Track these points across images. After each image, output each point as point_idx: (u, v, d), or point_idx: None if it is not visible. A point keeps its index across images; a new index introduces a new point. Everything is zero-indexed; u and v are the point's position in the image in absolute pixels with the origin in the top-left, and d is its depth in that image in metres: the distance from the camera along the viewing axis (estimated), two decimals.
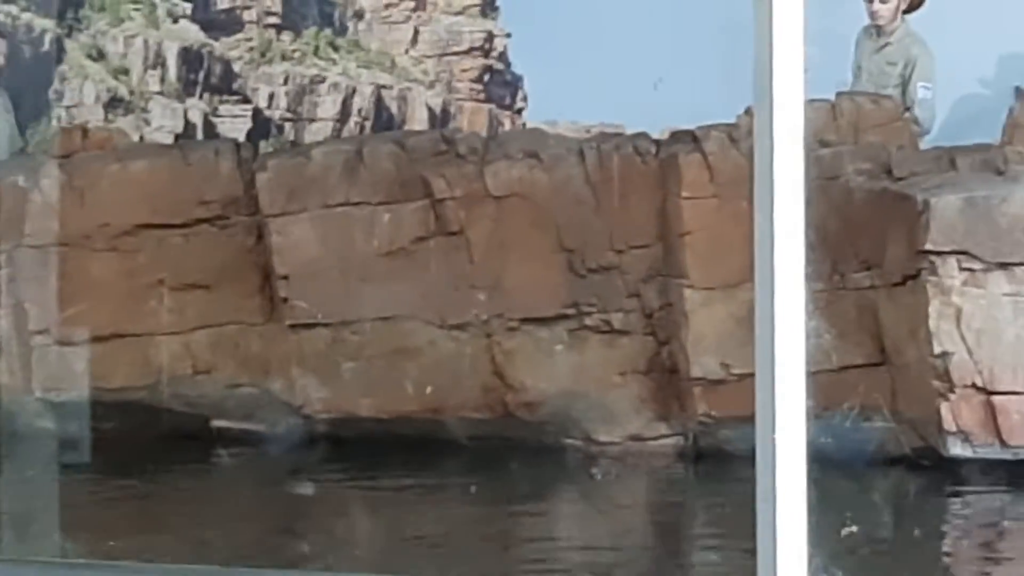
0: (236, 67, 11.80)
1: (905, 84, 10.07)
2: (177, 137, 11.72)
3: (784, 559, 3.63)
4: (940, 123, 10.33)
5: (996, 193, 8.50)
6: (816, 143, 8.64)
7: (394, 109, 11.80)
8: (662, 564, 7.97)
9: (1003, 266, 8.30)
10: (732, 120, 8.96)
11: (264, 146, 9.86)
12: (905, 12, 10.15)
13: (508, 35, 10.83)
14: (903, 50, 10.13)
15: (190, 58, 11.78)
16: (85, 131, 11.06)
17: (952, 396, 8.23)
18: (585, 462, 9.18)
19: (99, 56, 11.90)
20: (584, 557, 7.89)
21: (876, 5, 10.17)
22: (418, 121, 12.12)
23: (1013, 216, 8.34)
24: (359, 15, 12.85)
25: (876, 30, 10.26)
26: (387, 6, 13.07)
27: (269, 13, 11.45)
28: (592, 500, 9.09)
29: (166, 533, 7.95)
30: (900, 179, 8.88)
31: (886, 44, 10.16)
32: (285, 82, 11.36)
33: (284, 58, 11.69)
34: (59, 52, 12.01)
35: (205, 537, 7.90)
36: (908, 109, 9.99)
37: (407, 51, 13.77)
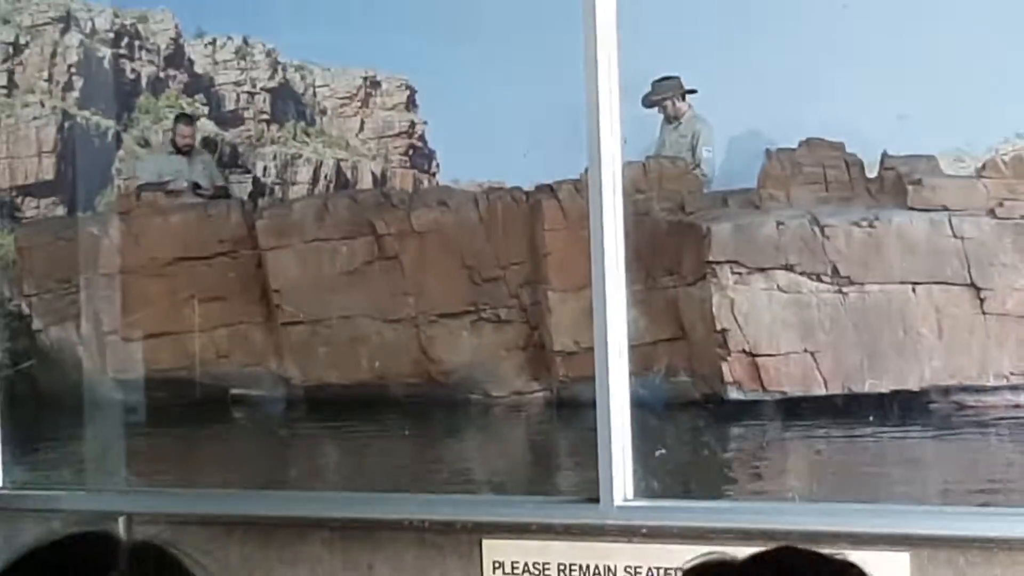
0: (240, 149, 12.62)
1: (694, 149, 10.70)
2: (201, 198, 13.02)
3: (616, 470, 4.70)
4: (719, 173, 10.79)
5: (755, 221, 9.37)
6: (633, 190, 8.98)
7: (349, 175, 12.18)
8: (534, 472, 8.93)
9: (760, 270, 9.20)
10: (577, 176, 9.32)
11: (261, 203, 11.42)
12: (688, 93, 10.91)
13: (425, 123, 11.82)
14: (690, 127, 10.81)
15: (208, 144, 12.73)
16: (138, 196, 11.96)
17: (729, 358, 9.12)
18: (484, 410, 10.03)
19: (145, 144, 12.69)
20: (480, 466, 9.05)
21: (670, 108, 10.90)
22: (365, 183, 12.44)
23: (765, 236, 9.22)
24: (323, 111, 13.32)
25: (671, 117, 10.92)
26: (342, 105, 13.41)
27: (262, 111, 12.54)
28: (489, 433, 10.07)
29: (204, 459, 9.14)
30: (690, 213, 9.75)
31: (678, 124, 10.86)
32: (274, 158, 12.33)
33: (273, 142, 12.62)
34: (118, 142, 12.82)
35: (231, 457, 9.29)
36: (698, 166, 10.63)
37: (357, 135, 13.94)
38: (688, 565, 1.82)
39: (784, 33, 11.57)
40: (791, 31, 11.56)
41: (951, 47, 10.94)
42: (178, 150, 12.17)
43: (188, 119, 13.03)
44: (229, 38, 14.42)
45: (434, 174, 12.91)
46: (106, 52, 14.17)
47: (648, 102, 10.91)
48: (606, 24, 4.75)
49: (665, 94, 10.88)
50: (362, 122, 14.11)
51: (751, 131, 11.40)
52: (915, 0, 11.02)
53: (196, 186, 11.92)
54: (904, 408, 8.93)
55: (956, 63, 10.99)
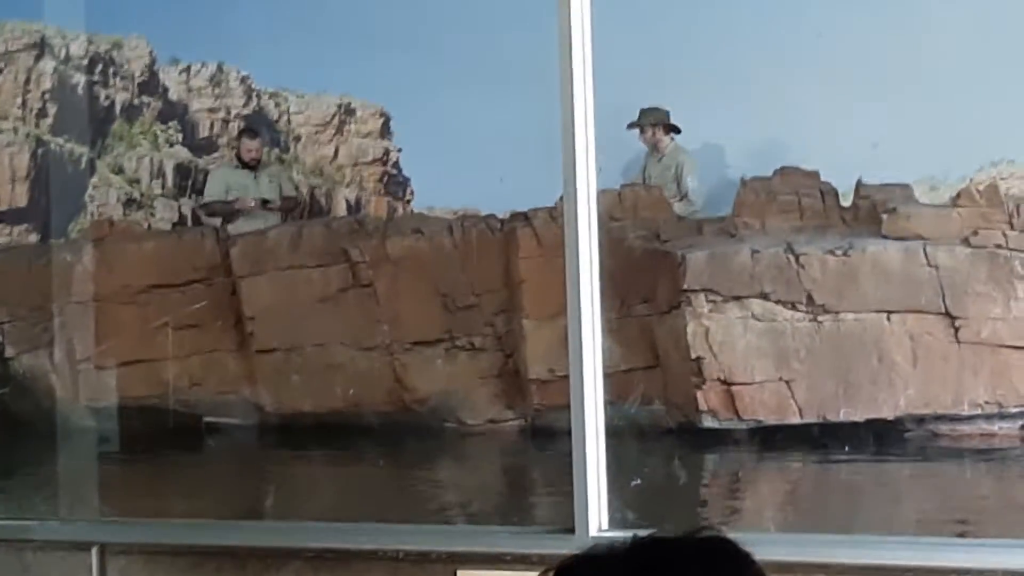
0: None
1: (678, 180, 10.85)
2: (174, 225, 12.69)
3: (591, 500, 4.63)
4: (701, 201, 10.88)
5: (729, 249, 9.41)
6: (608, 218, 9.01)
7: (323, 202, 12.26)
8: (508, 501, 8.83)
9: (736, 298, 9.24)
10: (552, 204, 9.35)
11: (231, 230, 11.49)
12: (673, 132, 11.03)
13: (399, 150, 11.80)
14: (673, 159, 10.95)
15: (182, 171, 12.34)
16: (111, 223, 12.24)
17: (704, 387, 9.14)
18: (458, 438, 10.05)
19: (119, 171, 12.50)
20: (454, 495, 8.97)
21: (651, 137, 11.08)
22: (340, 210, 12.42)
23: (740, 264, 9.26)
24: (297, 138, 13.21)
25: (653, 149, 11.12)
26: (316, 132, 13.30)
27: (235, 139, 12.71)
28: (463, 462, 10.08)
29: (178, 487, 8.96)
30: (665, 241, 9.77)
31: (662, 157, 10.98)
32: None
33: (215, 169, 12.85)
34: (92, 169, 12.72)
35: (203, 487, 9.12)
36: (685, 196, 10.77)
37: (331, 162, 14.06)
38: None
39: (759, 62, 11.61)
40: (766, 60, 11.58)
41: (925, 77, 10.95)
42: (245, 164, 12.11)
43: (252, 133, 12.93)
44: (203, 65, 14.42)
45: (408, 201, 12.90)
46: (80, 79, 14.13)
47: (631, 124, 11.06)
48: (581, 51, 4.73)
49: (647, 122, 10.99)
50: (337, 149, 14.11)
51: (727, 159, 11.52)
52: (889, 29, 10.96)
53: (264, 202, 11.90)
54: (879, 437, 8.96)
55: (930, 92, 10.98)
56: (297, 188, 12.36)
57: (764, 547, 1.77)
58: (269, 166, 12.39)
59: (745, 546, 1.80)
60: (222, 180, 12.38)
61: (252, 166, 12.07)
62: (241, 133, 12.70)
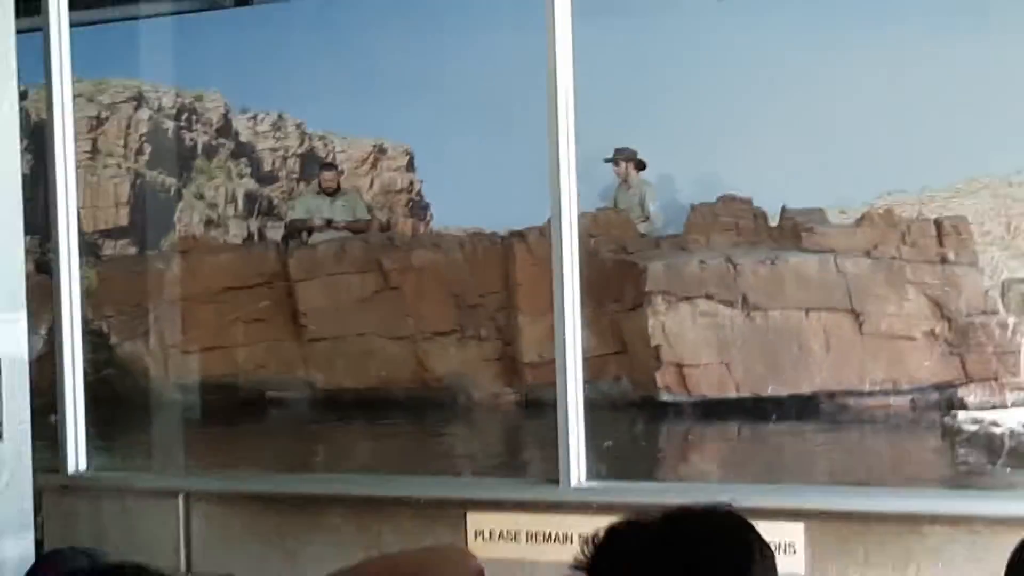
0: (275, 202, 12.60)
1: (642, 205, 10.66)
2: (243, 240, 12.60)
3: (572, 457, 4.72)
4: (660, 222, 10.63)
5: (681, 260, 9.37)
6: (586, 235, 8.07)
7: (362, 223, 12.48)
8: (507, 458, 8.90)
9: (686, 298, 9.13)
10: (542, 223, 8.11)
11: (291, 244, 11.41)
12: (639, 169, 10.88)
13: (422, 181, 11.86)
14: (638, 189, 10.77)
15: (250, 197, 12.32)
16: (194, 238, 12.31)
17: (661, 368, 9.02)
18: (468, 409, 9.81)
19: (200, 197, 12.44)
20: (464, 453, 8.97)
21: (622, 171, 10.83)
22: (374, 229, 12.63)
23: (690, 272, 9.20)
24: (341, 172, 13.47)
25: (623, 181, 10.86)
26: (356, 167, 13.22)
27: (292, 172, 12.51)
28: (471, 427, 9.81)
29: (246, 447, 8.91)
30: (631, 254, 9.71)
31: (629, 187, 10.78)
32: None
33: (301, 195, 12.69)
34: (179, 196, 12.65)
35: (266, 447, 9.08)
36: (648, 218, 10.58)
37: (367, 191, 14.28)
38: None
39: (706, 110, 11.48)
40: (712, 108, 11.46)
41: (838, 122, 10.94)
42: (324, 191, 11.89)
43: (330, 167, 12.61)
44: (267, 113, 14.38)
45: (429, 222, 12.83)
46: (170, 124, 14.11)
47: (608, 159, 10.91)
48: (566, 102, 4.73)
49: (620, 158, 10.85)
50: (372, 180, 14.11)
51: (679, 188, 11.45)
52: (810, 84, 11.01)
53: (328, 221, 11.65)
54: (799, 409, 8.85)
55: (841, 135, 10.93)
56: (370, 210, 12.11)
57: (705, 495, 1.78)
58: (347, 193, 12.13)
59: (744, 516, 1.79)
60: (304, 204, 12.24)
61: (330, 193, 11.84)
62: (321, 167, 12.46)
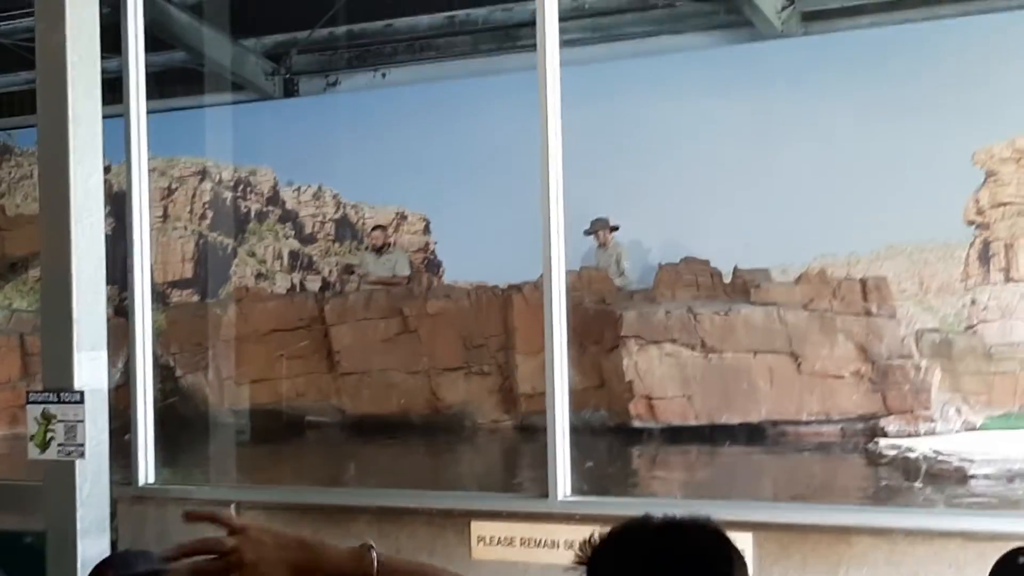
0: (315, 258, 12.70)
1: (618, 264, 10.58)
2: (288, 291, 12.67)
3: (559, 475, 4.65)
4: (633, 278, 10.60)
5: (651, 310, 9.28)
6: (572, 289, 7.10)
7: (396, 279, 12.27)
8: (505, 475, 8.55)
9: (655, 342, 9.06)
10: (535, 279, 7.86)
11: (327, 294, 11.24)
12: (613, 230, 10.72)
13: (436, 243, 11.88)
14: (615, 250, 10.70)
15: (293, 256, 12.48)
16: (247, 289, 12.21)
17: (634, 400, 8.95)
18: (472, 433, 9.72)
19: (252, 255, 12.54)
20: (468, 470, 8.89)
21: (600, 236, 10.66)
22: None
23: (658, 320, 9.12)
24: (386, 231, 13.12)
25: (601, 244, 10.75)
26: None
27: (328, 235, 12.58)
28: (475, 449, 9.52)
29: (288, 464, 8.90)
30: (608, 304, 9.60)
31: (607, 249, 10.64)
32: (336, 265, 12.28)
33: (335, 254, 12.62)
34: (234, 253, 12.76)
35: (305, 464, 9.07)
36: (622, 274, 10.49)
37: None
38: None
39: (672, 184, 11.26)
40: (676, 182, 11.24)
41: (778, 195, 10.77)
42: (373, 248, 11.74)
43: (381, 228, 12.30)
44: (308, 186, 14.41)
45: (441, 276, 12.81)
46: (228, 194, 14.16)
47: (586, 231, 10.80)
48: (556, 177, 4.69)
49: (597, 227, 10.76)
50: (395, 242, 14.16)
51: (648, 250, 11.26)
52: (757, 162, 10.78)
53: (362, 276, 11.60)
54: (748, 435, 8.79)
55: (782, 205, 10.73)
56: (412, 265, 12.05)
57: (671, 508, 1.75)
58: (392, 251, 11.82)
59: (721, 526, 1.76)
60: (356, 259, 12.18)
61: (377, 250, 11.65)
62: (373, 228, 12.29)
